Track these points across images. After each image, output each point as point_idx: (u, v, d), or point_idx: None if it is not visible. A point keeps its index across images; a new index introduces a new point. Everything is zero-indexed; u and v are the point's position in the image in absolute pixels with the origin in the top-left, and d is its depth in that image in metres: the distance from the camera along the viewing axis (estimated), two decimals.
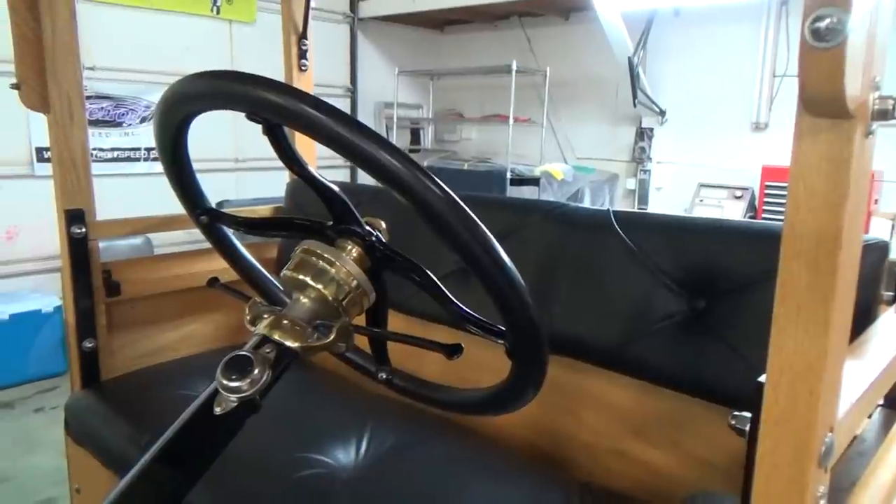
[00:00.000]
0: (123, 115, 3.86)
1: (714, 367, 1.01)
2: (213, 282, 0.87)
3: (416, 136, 5.66)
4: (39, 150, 3.51)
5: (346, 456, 1.17)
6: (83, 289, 1.38)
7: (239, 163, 4.38)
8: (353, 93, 5.16)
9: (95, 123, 3.72)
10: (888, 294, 0.94)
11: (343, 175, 4.92)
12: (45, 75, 1.28)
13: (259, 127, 0.70)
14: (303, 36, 1.75)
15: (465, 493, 1.08)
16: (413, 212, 0.60)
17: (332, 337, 0.67)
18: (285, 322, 0.67)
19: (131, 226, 1.57)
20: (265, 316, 0.68)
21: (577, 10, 4.59)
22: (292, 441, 1.19)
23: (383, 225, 0.78)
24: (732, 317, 1.00)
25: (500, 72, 4.55)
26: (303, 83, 1.77)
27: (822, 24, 0.38)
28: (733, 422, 0.51)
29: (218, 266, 1.01)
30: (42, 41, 1.26)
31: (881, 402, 0.89)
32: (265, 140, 0.72)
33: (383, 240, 0.76)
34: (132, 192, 3.42)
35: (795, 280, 0.45)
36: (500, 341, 0.70)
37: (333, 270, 0.69)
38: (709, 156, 4.27)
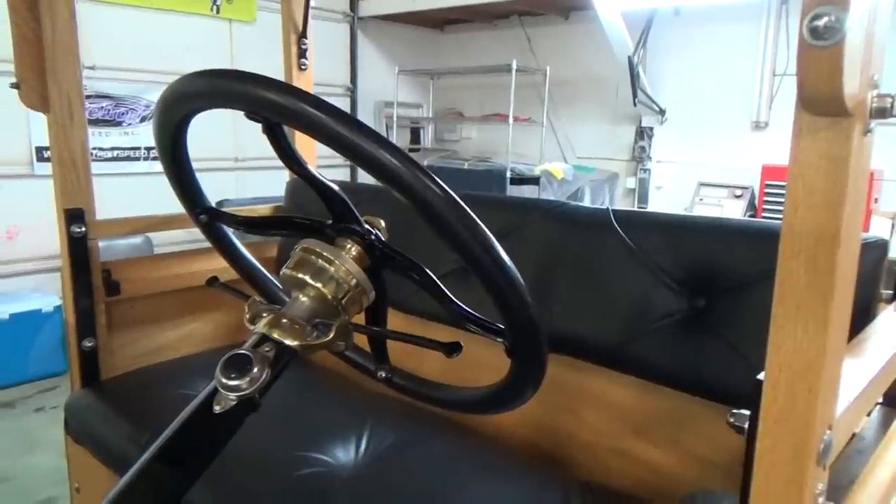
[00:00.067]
0: (123, 114, 3.86)
1: (714, 366, 1.01)
2: (213, 281, 0.87)
3: (416, 135, 5.66)
4: (39, 150, 3.51)
5: (345, 454, 1.17)
6: (83, 288, 1.39)
7: (239, 162, 4.38)
8: (352, 92, 5.16)
9: (95, 123, 3.72)
10: (887, 292, 0.94)
11: (343, 174, 4.92)
12: (44, 75, 1.28)
13: (259, 126, 0.70)
14: (302, 35, 1.75)
15: (465, 492, 1.08)
16: (413, 211, 0.60)
17: (331, 335, 0.67)
18: (284, 321, 0.67)
19: (131, 225, 1.57)
20: (264, 314, 0.68)
21: (577, 9, 4.59)
22: (292, 439, 1.19)
23: (382, 223, 0.78)
24: (732, 315, 1.00)
25: (500, 71, 4.55)
26: (302, 82, 1.77)
27: (821, 23, 0.38)
28: (732, 419, 0.51)
29: (218, 265, 1.01)
30: (42, 41, 1.26)
31: (880, 400, 0.89)
32: (265, 139, 0.72)
33: (383, 238, 0.76)
34: (132, 192, 3.43)
35: (794, 278, 0.45)
36: (499, 340, 0.70)
37: (333, 269, 0.69)
38: (709, 155, 4.27)
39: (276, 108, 0.61)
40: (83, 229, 1.36)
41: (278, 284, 0.99)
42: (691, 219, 1.20)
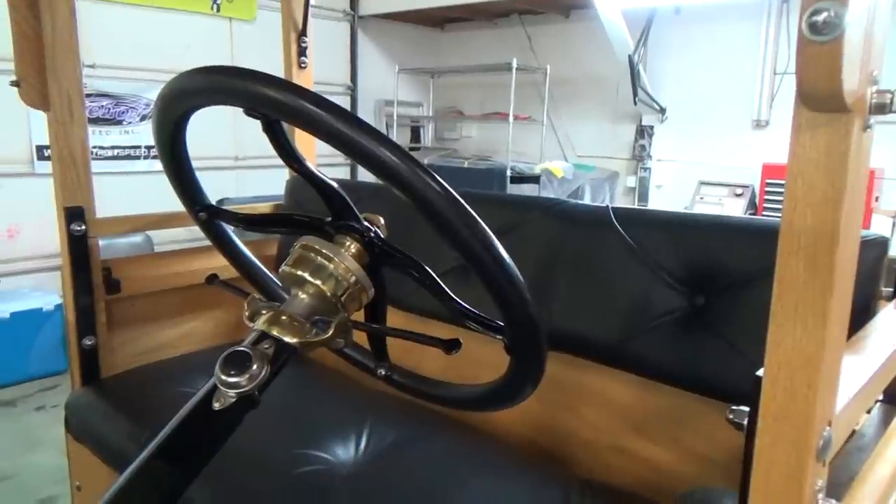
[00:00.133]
0: (123, 113, 3.86)
1: (714, 363, 1.01)
2: (212, 278, 0.86)
3: (416, 133, 5.66)
4: (40, 149, 3.51)
5: (345, 452, 1.17)
6: (83, 286, 1.39)
7: (239, 161, 4.38)
8: (353, 90, 5.16)
9: (96, 121, 3.72)
10: (888, 290, 0.94)
11: (343, 173, 4.92)
12: (44, 73, 1.28)
13: (258, 125, 0.70)
14: (302, 33, 1.75)
15: (465, 490, 1.08)
16: (413, 208, 0.60)
17: (330, 333, 0.67)
18: (284, 318, 0.67)
19: (131, 223, 1.57)
20: (264, 312, 0.68)
21: (578, 7, 4.58)
22: (292, 437, 1.19)
23: (382, 221, 0.78)
24: (732, 313, 1.00)
25: (500, 69, 4.55)
26: (302, 81, 1.77)
27: (820, 18, 0.38)
28: (731, 416, 0.51)
29: (218, 263, 1.01)
30: (42, 39, 1.26)
31: (881, 397, 0.89)
32: (265, 138, 0.72)
33: (382, 236, 0.76)
34: (132, 191, 3.43)
35: (793, 275, 0.45)
36: (498, 337, 0.70)
37: (332, 266, 0.69)
38: (709, 153, 4.27)
39: (276, 104, 0.60)
40: (83, 227, 1.36)
41: (278, 282, 0.99)
42: (691, 216, 1.20)
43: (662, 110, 4.45)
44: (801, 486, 0.47)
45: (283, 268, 0.71)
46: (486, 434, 1.27)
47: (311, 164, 0.77)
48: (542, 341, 0.67)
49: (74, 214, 1.35)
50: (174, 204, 0.96)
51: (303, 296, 0.70)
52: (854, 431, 0.80)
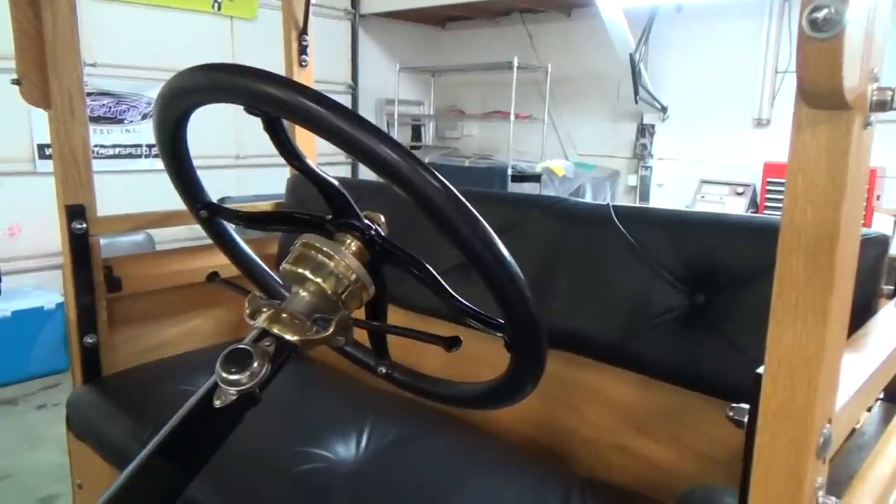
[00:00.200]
0: (125, 111, 3.86)
1: (714, 361, 1.01)
2: (213, 276, 0.87)
3: (417, 132, 5.66)
4: (41, 147, 3.51)
5: (346, 450, 1.17)
6: (84, 284, 1.39)
7: (240, 159, 4.38)
8: (354, 89, 5.16)
9: (97, 120, 3.73)
10: (888, 288, 0.94)
11: (344, 171, 4.93)
12: (45, 71, 1.29)
13: (259, 123, 0.70)
14: (303, 32, 1.75)
15: (466, 488, 1.08)
16: (414, 206, 0.60)
17: (331, 330, 0.67)
18: (284, 315, 0.67)
19: (132, 221, 1.57)
20: (264, 310, 0.68)
21: (579, 6, 4.58)
22: (292, 435, 1.19)
23: (382, 219, 0.78)
24: (732, 311, 1.00)
25: (501, 68, 4.54)
26: (303, 79, 1.77)
27: (820, 15, 0.38)
28: (731, 413, 0.51)
29: (219, 262, 1.01)
30: (43, 37, 1.26)
31: (881, 395, 0.89)
32: (265, 137, 0.72)
33: (382, 234, 0.76)
34: (134, 189, 3.43)
35: (794, 272, 0.45)
36: (499, 335, 0.70)
37: (332, 264, 0.69)
38: (710, 152, 4.27)
39: (276, 102, 0.60)
40: (84, 226, 1.37)
41: (278, 280, 0.99)
42: (692, 214, 1.21)
43: (664, 109, 4.44)
44: (802, 483, 0.47)
45: (284, 266, 0.71)
46: (487, 432, 1.27)
47: (311, 163, 0.77)
48: (543, 339, 0.67)
49: (75, 213, 1.36)
50: (175, 202, 0.96)
51: (303, 294, 0.70)
52: (854, 429, 0.80)
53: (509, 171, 4.27)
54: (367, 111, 5.23)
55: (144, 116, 3.92)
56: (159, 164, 0.85)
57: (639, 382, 1.13)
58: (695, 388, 1.04)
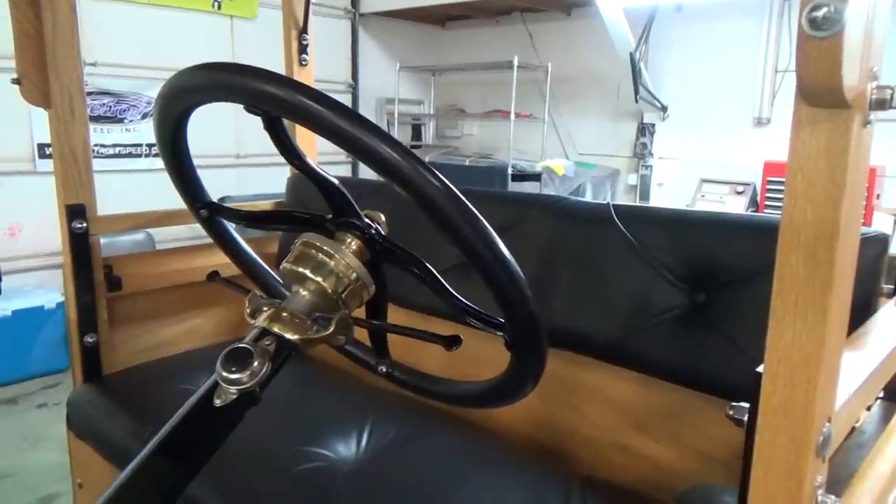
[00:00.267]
0: (125, 111, 3.86)
1: (714, 360, 1.01)
2: (214, 276, 0.87)
3: (417, 131, 5.66)
4: (41, 146, 3.51)
5: (346, 449, 1.17)
6: (84, 284, 1.39)
7: (240, 159, 4.38)
8: (354, 88, 5.16)
9: (97, 119, 3.73)
10: (888, 287, 0.94)
11: (345, 170, 4.92)
12: (46, 71, 1.29)
13: (259, 123, 0.70)
14: (303, 31, 1.75)
15: (466, 487, 1.08)
16: (414, 205, 0.60)
17: (331, 329, 0.67)
18: (285, 314, 0.67)
19: (132, 220, 1.57)
20: (265, 309, 0.68)
21: (579, 5, 4.58)
22: (293, 434, 1.20)
23: (382, 218, 0.78)
24: (732, 310, 1.00)
25: (501, 67, 4.54)
26: (303, 78, 1.77)
27: (820, 13, 0.38)
28: (731, 412, 0.51)
29: (219, 261, 1.01)
30: (43, 36, 1.27)
31: (881, 394, 0.89)
32: (266, 136, 0.72)
33: (383, 233, 0.76)
34: (134, 189, 3.43)
35: (793, 271, 0.45)
36: (499, 333, 0.70)
37: (333, 263, 0.69)
38: (711, 151, 4.27)
39: (276, 101, 0.61)
40: (84, 225, 1.37)
41: (279, 279, 0.99)
42: (692, 213, 1.21)
43: (664, 108, 4.44)
44: (801, 482, 0.47)
45: (284, 265, 0.71)
46: (487, 431, 1.27)
47: (312, 162, 0.77)
48: (543, 338, 0.68)
49: (76, 212, 1.36)
50: (175, 202, 0.96)
51: (304, 293, 0.70)
52: (854, 428, 0.80)
53: (509, 171, 4.27)
54: (367, 110, 5.23)
55: (144, 116, 3.92)
56: (159, 163, 0.85)
57: (639, 381, 1.13)
58: (695, 386, 1.04)
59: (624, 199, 4.71)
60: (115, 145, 3.85)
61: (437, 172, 0.59)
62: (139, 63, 3.83)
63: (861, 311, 0.87)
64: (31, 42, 1.26)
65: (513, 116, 4.44)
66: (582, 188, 4.36)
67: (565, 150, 4.99)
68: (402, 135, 5.36)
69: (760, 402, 0.48)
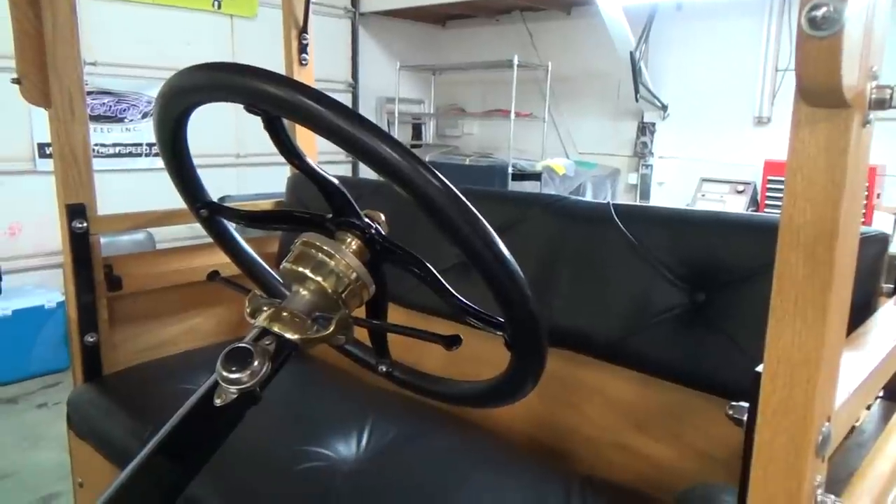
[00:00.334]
0: (125, 110, 3.86)
1: (714, 360, 1.01)
2: (214, 275, 0.87)
3: (417, 131, 5.66)
4: (41, 146, 3.51)
5: (346, 448, 1.17)
6: (85, 283, 1.39)
7: (240, 158, 4.38)
8: (354, 88, 5.16)
9: (97, 119, 3.73)
10: (888, 286, 0.94)
11: (345, 170, 4.93)
12: (45, 70, 1.29)
13: (260, 122, 0.70)
14: (303, 30, 1.75)
15: (466, 486, 1.08)
16: (414, 205, 0.60)
17: (331, 329, 0.67)
18: (285, 314, 0.67)
19: (132, 220, 1.57)
20: (265, 308, 0.68)
21: (579, 4, 4.58)
22: (293, 434, 1.20)
23: (382, 217, 0.78)
24: (733, 309, 1.00)
25: (501, 66, 4.54)
26: (304, 78, 1.77)
27: (819, 13, 0.38)
28: (731, 412, 0.51)
29: (219, 261, 1.01)
30: (43, 36, 1.27)
31: (881, 393, 0.89)
32: (266, 136, 0.72)
33: (383, 232, 0.76)
34: (134, 188, 3.43)
35: (793, 270, 0.45)
36: (499, 333, 0.70)
37: (333, 263, 0.69)
38: (711, 150, 4.27)
39: (276, 101, 0.61)
40: (84, 224, 1.37)
41: (279, 279, 0.99)
42: (692, 213, 1.21)
43: (664, 107, 4.44)
44: (801, 481, 0.47)
45: (285, 264, 0.71)
46: (488, 430, 1.27)
47: (312, 161, 0.77)
48: (543, 338, 0.68)
49: (76, 212, 1.36)
50: (175, 201, 0.96)
51: (304, 292, 0.70)
52: (854, 427, 0.80)
53: (510, 170, 4.27)
54: (367, 110, 5.23)
55: (145, 115, 3.93)
56: (159, 162, 0.85)
57: (639, 381, 1.13)
58: (695, 386, 1.04)
59: (624, 199, 4.71)
60: (115, 145, 3.85)
61: (436, 172, 0.59)
62: (139, 62, 3.83)
63: (861, 311, 0.87)
64: (32, 42, 1.26)
65: (513, 116, 4.44)
66: (582, 187, 4.36)
67: (565, 149, 4.99)
68: (402, 134, 5.36)
69: (760, 402, 0.48)
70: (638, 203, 4.40)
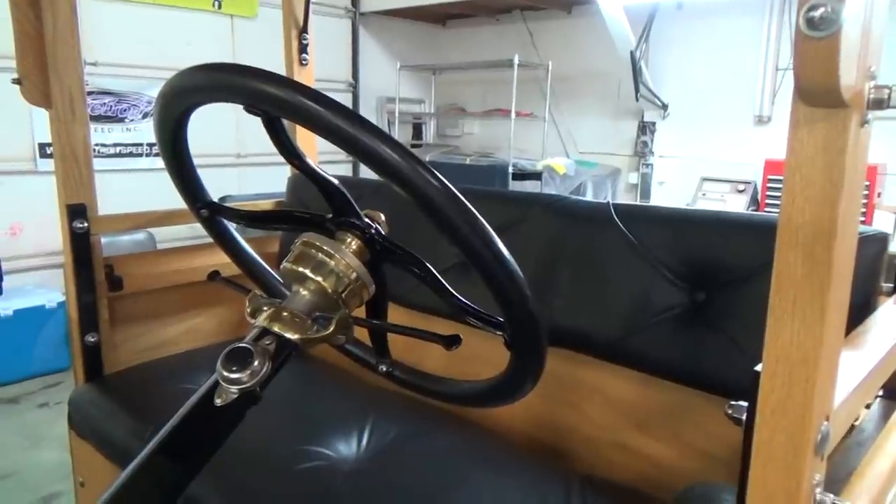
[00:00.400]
0: (125, 110, 3.86)
1: (714, 359, 1.01)
2: (214, 275, 0.87)
3: (418, 130, 5.66)
4: (42, 146, 3.51)
5: (347, 448, 1.17)
6: (85, 283, 1.39)
7: (240, 158, 4.38)
8: (354, 87, 5.16)
9: (98, 119, 3.73)
10: (888, 286, 0.94)
11: (345, 170, 4.93)
12: (46, 71, 1.29)
13: (260, 122, 0.70)
14: (303, 30, 1.75)
15: (466, 486, 1.08)
16: (413, 205, 0.60)
17: (331, 329, 0.67)
18: (285, 314, 0.67)
19: (133, 220, 1.57)
20: (265, 308, 0.68)
21: (579, 3, 4.58)
22: (293, 433, 1.20)
23: (382, 217, 0.78)
24: (733, 309, 1.00)
25: (501, 66, 4.54)
26: (304, 78, 1.77)
27: (817, 13, 0.38)
28: (730, 411, 0.51)
29: (220, 260, 1.01)
30: (43, 37, 1.27)
31: (881, 392, 0.89)
32: (266, 136, 0.72)
33: (383, 232, 0.76)
34: (135, 188, 3.43)
35: (791, 269, 0.45)
36: (499, 333, 0.70)
37: (333, 263, 0.69)
38: (711, 149, 4.27)
39: (275, 101, 0.61)
40: (85, 225, 1.37)
41: (279, 279, 1.00)
42: (692, 212, 1.21)
43: (664, 106, 4.44)
44: (799, 480, 0.47)
45: (285, 264, 0.71)
46: (488, 430, 1.27)
47: (311, 161, 0.77)
48: (542, 337, 0.68)
49: (77, 212, 1.36)
50: (176, 201, 0.96)
51: (304, 292, 0.70)
52: (854, 426, 0.80)
53: (510, 169, 4.27)
54: (367, 109, 5.24)
55: (145, 115, 3.93)
56: (160, 162, 0.85)
57: (639, 380, 1.13)
58: (695, 385, 1.05)
59: (625, 198, 4.71)
60: (115, 145, 3.86)
61: (435, 172, 0.59)
62: (140, 62, 3.83)
63: (861, 310, 0.87)
64: (32, 43, 1.26)
65: (513, 115, 4.44)
66: (583, 187, 4.36)
67: (566, 148, 4.99)
68: (402, 134, 5.36)
69: (759, 401, 0.48)
70: (638, 203, 4.40)
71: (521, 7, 4.95)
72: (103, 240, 1.43)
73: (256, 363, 0.62)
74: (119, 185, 3.53)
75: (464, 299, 0.74)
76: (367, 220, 0.76)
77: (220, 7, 4.18)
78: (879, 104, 0.44)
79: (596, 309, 1.15)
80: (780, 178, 3.66)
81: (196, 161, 0.85)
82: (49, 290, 3.35)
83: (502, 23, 5.25)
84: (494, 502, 1.06)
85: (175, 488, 0.64)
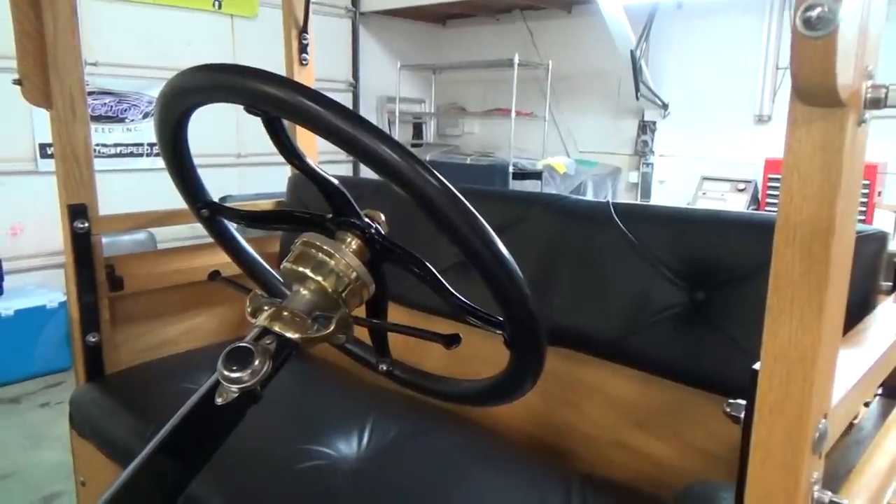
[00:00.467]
0: (126, 110, 3.86)
1: (714, 358, 1.01)
2: (215, 275, 0.87)
3: (418, 130, 5.66)
4: (43, 146, 3.52)
5: (347, 447, 1.18)
6: (86, 283, 1.39)
7: (241, 158, 4.38)
8: (355, 87, 5.16)
9: (98, 119, 3.73)
10: (887, 284, 0.94)
11: (345, 170, 4.93)
12: (47, 71, 1.29)
13: (260, 122, 0.71)
14: (304, 30, 1.75)
15: (467, 484, 1.08)
16: (413, 205, 0.60)
17: (331, 328, 0.68)
18: (285, 314, 0.67)
19: (133, 220, 1.58)
20: (265, 308, 0.68)
21: (580, 2, 4.58)
22: (294, 433, 1.20)
23: (382, 217, 0.78)
24: (732, 308, 1.00)
25: (502, 65, 4.54)
26: (304, 78, 1.77)
27: (814, 13, 0.38)
28: (728, 409, 0.52)
29: (220, 260, 1.01)
30: (44, 37, 1.27)
31: (880, 391, 0.89)
32: (266, 136, 0.73)
33: (383, 232, 0.77)
34: (135, 188, 3.44)
35: (789, 268, 0.46)
36: (498, 332, 0.70)
37: (333, 262, 0.69)
38: (712, 149, 4.27)
39: (275, 101, 0.61)
40: (86, 225, 1.37)
41: (279, 278, 1.00)
42: (692, 212, 1.21)
43: (665, 105, 4.44)
44: (797, 477, 0.47)
45: (285, 264, 0.71)
46: (488, 429, 1.27)
47: (311, 161, 0.78)
48: (542, 337, 0.68)
49: (77, 212, 1.36)
50: (176, 201, 0.96)
51: (304, 292, 0.70)
52: (853, 424, 0.80)
53: (510, 169, 4.27)
54: (368, 109, 5.24)
55: (146, 115, 3.93)
56: (160, 162, 0.85)
57: (639, 379, 1.13)
58: (695, 384, 1.05)
59: (625, 197, 4.71)
60: (116, 145, 3.86)
61: (435, 172, 0.59)
62: (140, 63, 3.83)
63: (860, 309, 0.87)
64: (33, 43, 1.26)
65: (513, 114, 4.45)
66: (583, 186, 4.36)
67: (566, 147, 4.99)
68: (402, 133, 5.36)
69: (757, 399, 0.48)
70: (638, 202, 4.40)
71: (521, 6, 4.95)
72: (104, 240, 1.43)
73: (257, 362, 0.63)
74: (120, 185, 3.53)
75: (463, 299, 0.74)
76: (367, 219, 0.76)
77: (220, 7, 4.19)
78: (876, 103, 0.44)
79: (596, 308, 1.16)
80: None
81: (196, 161, 0.85)
82: (50, 290, 3.35)
83: (502, 22, 5.25)
84: (495, 501, 1.06)
85: (176, 487, 0.64)
